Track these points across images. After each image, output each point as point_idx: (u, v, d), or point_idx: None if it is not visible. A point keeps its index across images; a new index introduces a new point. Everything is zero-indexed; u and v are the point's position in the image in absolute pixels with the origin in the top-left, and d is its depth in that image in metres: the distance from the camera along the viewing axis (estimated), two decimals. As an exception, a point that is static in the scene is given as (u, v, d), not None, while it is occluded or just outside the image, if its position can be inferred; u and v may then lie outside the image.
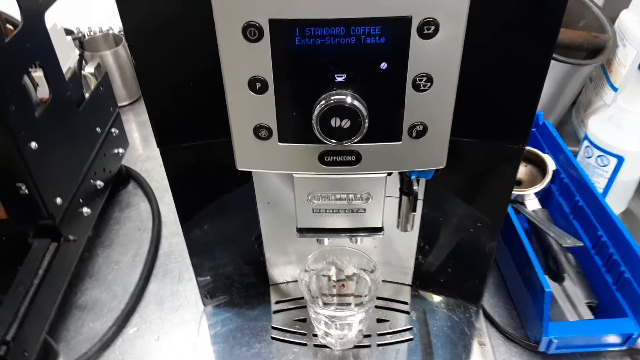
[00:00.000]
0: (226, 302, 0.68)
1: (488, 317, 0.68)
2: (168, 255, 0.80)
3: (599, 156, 0.79)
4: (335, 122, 0.41)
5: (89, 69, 0.99)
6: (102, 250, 0.81)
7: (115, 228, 0.85)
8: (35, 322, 0.61)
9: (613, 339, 0.62)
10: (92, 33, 1.22)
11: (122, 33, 1.21)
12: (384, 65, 0.40)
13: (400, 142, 0.44)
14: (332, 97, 0.40)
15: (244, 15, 0.38)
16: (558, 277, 0.69)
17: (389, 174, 0.48)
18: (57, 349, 0.67)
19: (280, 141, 0.44)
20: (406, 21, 0.38)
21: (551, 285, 0.64)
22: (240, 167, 0.46)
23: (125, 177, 0.95)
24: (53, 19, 0.73)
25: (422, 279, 0.68)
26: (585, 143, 0.81)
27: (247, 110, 0.43)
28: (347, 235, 0.53)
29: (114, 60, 1.13)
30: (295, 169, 0.46)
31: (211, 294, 0.67)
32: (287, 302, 0.68)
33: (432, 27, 0.38)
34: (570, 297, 0.66)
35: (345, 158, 0.45)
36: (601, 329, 0.61)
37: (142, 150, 1.05)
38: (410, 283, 0.69)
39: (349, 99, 0.40)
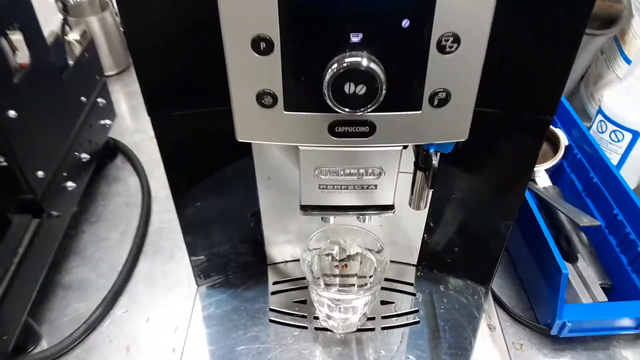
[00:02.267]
0: (221, 283, 0.64)
1: (496, 299, 0.65)
2: (159, 232, 0.76)
3: (613, 131, 0.75)
4: (349, 88, 0.37)
5: (73, 36, 0.92)
6: (89, 226, 0.77)
7: (103, 204, 0.81)
8: (16, 304, 0.57)
9: (626, 322, 0.59)
10: (76, -2, 1.15)
11: (108, -2, 1.14)
12: (405, 23, 0.35)
13: (419, 112, 0.39)
14: (346, 60, 0.36)
15: (248, -37, 0.33)
16: (571, 257, 0.66)
17: (405, 147, 0.44)
18: (40, 331, 0.63)
19: (286, 109, 0.39)
20: (433, -29, 0.33)
21: (564, 266, 0.61)
22: (241, 138, 0.42)
23: (113, 150, 0.90)
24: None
25: (429, 259, 0.64)
26: (599, 117, 0.77)
27: (250, 73, 0.38)
28: (355, 214, 0.49)
29: (101, 26, 1.07)
30: (303, 140, 0.42)
31: (205, 273, 0.63)
32: (286, 282, 0.64)
33: (463, -22, 0.33)
34: (583, 278, 0.63)
35: (358, 129, 0.40)
36: (618, 311, 0.58)
37: (130, 122, 0.99)
38: (416, 263, 0.65)
39: (365, 62, 0.36)
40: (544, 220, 0.70)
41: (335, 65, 0.36)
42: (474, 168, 0.52)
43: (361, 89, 0.37)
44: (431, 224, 0.60)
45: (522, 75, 0.42)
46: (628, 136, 0.74)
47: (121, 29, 1.13)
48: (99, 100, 0.82)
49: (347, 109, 0.38)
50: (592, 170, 0.70)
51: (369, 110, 0.38)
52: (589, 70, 0.97)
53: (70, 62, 0.75)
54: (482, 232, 0.58)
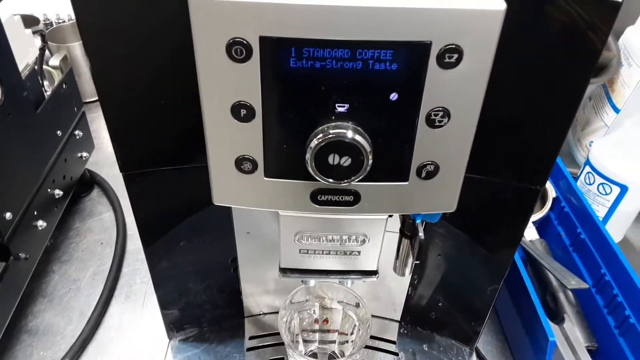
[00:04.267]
0: (195, 336, 0.60)
1: (480, 358, 0.63)
2: (132, 274, 0.73)
3: (601, 184, 0.74)
4: (333, 159, 0.35)
5: (53, 62, 0.90)
6: (59, 266, 0.74)
7: (75, 241, 0.78)
8: (-25, 357, 0.54)
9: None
10: (59, 21, 1.12)
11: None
12: (394, 96, 0.34)
13: (406, 183, 0.37)
14: (331, 131, 0.34)
15: (230, 30, 0.31)
16: (557, 317, 0.64)
17: (390, 216, 0.42)
18: (1, 384, 0.59)
19: (266, 176, 0.37)
20: (424, 47, 0.31)
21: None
22: (218, 201, 0.40)
23: (89, 182, 0.87)
24: (11, 8, 0.65)
25: (413, 316, 0.62)
26: (587, 169, 0.76)
27: (229, 139, 0.36)
28: (337, 278, 0.47)
29: (83, 52, 1.04)
30: (283, 207, 0.40)
31: (178, 326, 0.60)
32: (263, 337, 0.61)
33: (455, 56, 0.32)
34: (569, 341, 0.61)
35: (342, 198, 0.38)
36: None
37: (110, 152, 0.96)
38: (398, 319, 0.63)
39: (350, 134, 0.34)
40: (531, 275, 0.69)
41: (319, 136, 0.34)
42: (464, 232, 0.50)
43: (346, 161, 0.35)
44: (416, 282, 0.58)
45: (514, 145, 0.40)
46: (616, 190, 0.73)
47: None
48: (76, 132, 0.80)
49: (330, 180, 0.36)
50: (580, 225, 0.69)
51: (354, 181, 0.36)
52: (576, 115, 0.96)
53: (47, 93, 0.72)
54: (469, 294, 0.56)
